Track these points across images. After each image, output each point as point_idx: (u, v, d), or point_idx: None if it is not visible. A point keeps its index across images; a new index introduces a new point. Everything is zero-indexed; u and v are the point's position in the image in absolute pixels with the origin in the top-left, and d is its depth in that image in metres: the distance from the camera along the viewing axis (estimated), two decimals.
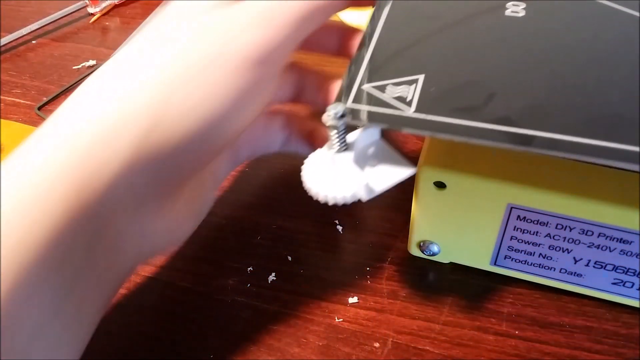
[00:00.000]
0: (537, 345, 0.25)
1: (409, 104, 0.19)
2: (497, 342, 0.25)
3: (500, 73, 0.20)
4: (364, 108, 0.19)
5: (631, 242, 0.23)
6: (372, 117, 0.19)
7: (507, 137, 0.18)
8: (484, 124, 0.18)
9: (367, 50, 0.22)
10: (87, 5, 0.47)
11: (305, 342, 0.26)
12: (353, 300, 0.27)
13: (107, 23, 0.47)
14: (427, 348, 0.25)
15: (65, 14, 0.46)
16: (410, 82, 0.20)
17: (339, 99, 0.20)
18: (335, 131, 0.20)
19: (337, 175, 0.21)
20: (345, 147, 0.21)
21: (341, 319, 0.26)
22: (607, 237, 0.23)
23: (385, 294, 0.27)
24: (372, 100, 0.20)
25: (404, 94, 0.20)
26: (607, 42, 0.21)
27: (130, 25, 0.47)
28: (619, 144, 0.17)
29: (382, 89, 0.20)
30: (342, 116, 0.19)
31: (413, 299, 0.27)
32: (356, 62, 0.21)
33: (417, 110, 0.19)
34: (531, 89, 0.19)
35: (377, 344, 0.25)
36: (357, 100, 0.20)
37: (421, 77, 0.20)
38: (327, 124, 0.20)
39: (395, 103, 0.19)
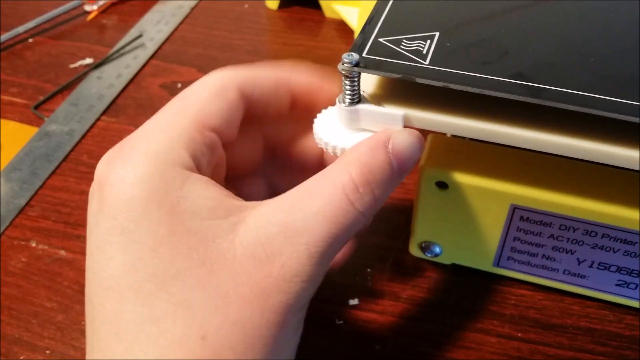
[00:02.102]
0: (540, 347, 0.25)
1: (424, 57, 0.20)
2: (500, 344, 0.25)
3: (514, 34, 0.21)
4: (379, 58, 0.20)
5: (635, 243, 0.23)
6: (387, 67, 0.19)
7: (517, 88, 0.18)
8: (496, 77, 0.19)
9: (384, 9, 0.22)
10: (83, 3, 0.47)
11: (306, 344, 0.25)
12: (354, 302, 0.27)
13: (104, 21, 0.47)
14: (429, 350, 0.25)
15: (62, 12, 0.46)
16: (425, 38, 0.20)
17: (354, 49, 0.20)
18: (349, 81, 0.20)
19: (356, 125, 0.21)
20: (359, 99, 0.20)
21: (342, 321, 0.26)
22: (611, 238, 0.23)
23: (386, 295, 0.27)
24: (387, 52, 0.20)
25: (419, 47, 0.20)
26: (622, 10, 0.21)
27: (127, 24, 0.46)
28: (625, 99, 0.18)
29: (397, 42, 0.20)
30: (357, 65, 0.19)
31: (414, 301, 0.27)
32: (374, 18, 0.22)
33: (431, 63, 0.19)
34: (544, 49, 0.20)
35: (378, 347, 0.25)
36: (372, 51, 0.20)
37: (436, 34, 0.21)
38: (342, 73, 0.19)
39: (410, 55, 0.20)
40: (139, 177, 0.18)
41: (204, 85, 0.20)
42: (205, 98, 0.20)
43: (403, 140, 0.19)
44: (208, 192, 0.18)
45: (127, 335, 0.17)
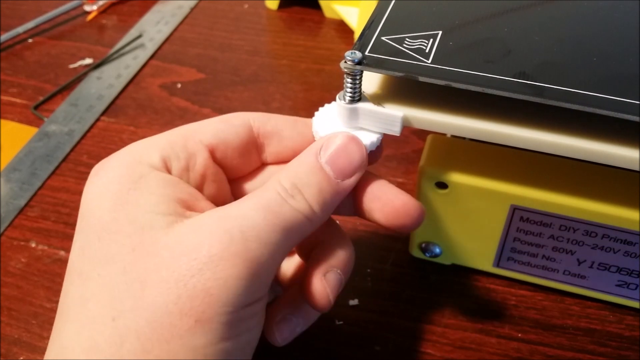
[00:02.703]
0: (540, 347, 0.25)
1: (427, 56, 0.20)
2: (500, 344, 0.25)
3: (517, 33, 0.21)
4: (382, 57, 0.20)
5: (635, 243, 0.23)
6: (389, 65, 0.19)
7: (520, 87, 0.18)
8: (499, 76, 0.19)
9: (387, 8, 0.22)
10: (83, 4, 0.47)
11: (306, 345, 0.25)
12: (354, 302, 0.27)
13: (104, 21, 0.47)
14: (429, 351, 0.25)
15: (61, 12, 0.46)
16: (428, 37, 0.20)
17: (357, 47, 0.20)
18: (351, 79, 0.20)
19: (355, 123, 0.21)
20: (359, 97, 0.20)
21: (342, 322, 0.26)
22: (611, 238, 0.23)
23: (386, 296, 0.27)
24: (390, 50, 0.20)
25: (422, 46, 0.20)
26: (624, 9, 0.22)
27: (127, 24, 0.46)
28: (626, 99, 0.18)
29: (400, 41, 0.20)
30: (360, 63, 0.19)
31: (414, 302, 0.27)
32: (376, 17, 0.22)
33: (434, 61, 0.19)
34: (547, 48, 0.20)
35: (378, 347, 0.25)
36: (374, 50, 0.20)
37: (439, 33, 0.21)
38: (344, 71, 0.19)
39: (413, 54, 0.20)
40: (105, 170, 0.19)
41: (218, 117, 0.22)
42: (208, 121, 0.21)
43: (332, 145, 0.19)
44: (159, 189, 0.18)
45: (64, 314, 0.18)
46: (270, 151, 0.22)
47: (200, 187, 0.20)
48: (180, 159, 0.20)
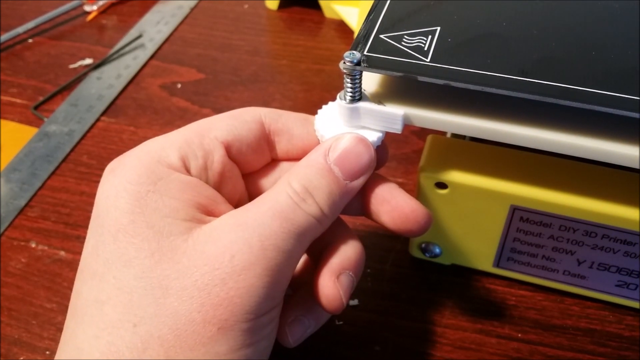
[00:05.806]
0: (540, 348, 0.25)
1: (425, 54, 0.20)
2: (500, 345, 0.25)
3: (515, 28, 0.21)
4: (381, 56, 0.20)
5: (635, 243, 0.23)
6: (388, 65, 0.19)
7: (520, 85, 0.18)
8: (498, 74, 0.19)
9: (384, 5, 0.22)
10: (83, 4, 0.47)
11: (306, 346, 0.25)
12: (354, 302, 0.27)
13: (104, 21, 0.47)
14: (429, 351, 0.25)
15: (61, 12, 0.46)
16: (426, 34, 0.20)
17: (355, 47, 0.20)
18: (350, 79, 0.20)
19: (356, 122, 0.21)
20: (360, 96, 0.20)
21: (342, 322, 0.26)
22: (611, 238, 0.23)
23: (386, 296, 0.27)
24: (389, 49, 0.20)
25: (421, 44, 0.20)
26: (623, 3, 0.21)
27: (127, 24, 0.46)
28: (626, 95, 0.18)
29: (398, 39, 0.20)
30: (358, 63, 0.19)
31: (414, 302, 0.27)
32: (374, 14, 0.22)
33: (433, 59, 0.19)
34: (545, 44, 0.20)
35: (378, 347, 0.25)
36: (373, 49, 0.20)
37: (437, 29, 0.20)
38: (343, 71, 0.19)
39: (412, 52, 0.20)
40: (121, 169, 0.19)
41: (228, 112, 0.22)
42: (219, 117, 0.21)
43: (340, 147, 0.19)
44: (179, 193, 0.18)
45: (78, 315, 0.18)
46: (281, 148, 0.22)
47: (218, 186, 0.20)
48: (198, 157, 0.20)
